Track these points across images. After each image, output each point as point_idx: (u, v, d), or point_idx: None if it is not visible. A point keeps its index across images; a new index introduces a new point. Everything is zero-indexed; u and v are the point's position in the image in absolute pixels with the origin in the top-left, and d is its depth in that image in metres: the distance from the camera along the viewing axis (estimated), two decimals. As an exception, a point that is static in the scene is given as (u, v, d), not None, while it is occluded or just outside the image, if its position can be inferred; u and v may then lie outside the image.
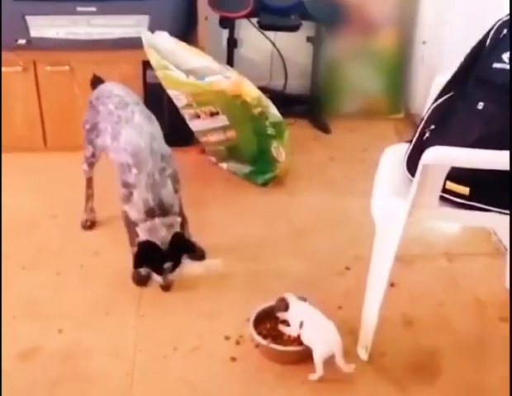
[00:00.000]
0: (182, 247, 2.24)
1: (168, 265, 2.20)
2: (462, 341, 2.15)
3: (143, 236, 2.20)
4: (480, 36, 1.93)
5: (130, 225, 2.27)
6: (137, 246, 2.21)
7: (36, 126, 3.18)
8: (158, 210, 2.18)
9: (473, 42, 1.94)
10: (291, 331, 2.07)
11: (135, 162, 2.21)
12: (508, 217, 1.75)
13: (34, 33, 2.99)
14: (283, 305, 2.09)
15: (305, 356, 2.01)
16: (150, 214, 2.18)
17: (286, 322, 2.09)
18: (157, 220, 2.18)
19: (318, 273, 2.43)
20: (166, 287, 2.27)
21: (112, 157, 2.36)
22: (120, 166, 2.25)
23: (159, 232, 2.18)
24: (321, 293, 2.19)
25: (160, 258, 2.19)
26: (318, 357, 1.95)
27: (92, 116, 2.47)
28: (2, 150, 3.07)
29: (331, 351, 1.94)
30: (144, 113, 2.37)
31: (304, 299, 2.11)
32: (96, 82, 2.64)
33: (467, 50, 1.94)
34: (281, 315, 2.10)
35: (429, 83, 2.13)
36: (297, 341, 2.04)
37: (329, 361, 1.95)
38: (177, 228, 2.22)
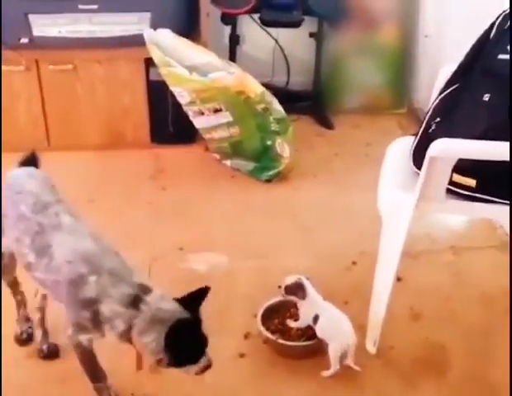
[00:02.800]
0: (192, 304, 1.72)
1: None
2: (469, 335, 2.15)
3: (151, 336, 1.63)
4: (482, 30, 1.93)
5: (89, 361, 1.83)
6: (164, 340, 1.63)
7: (40, 125, 3.18)
8: (142, 293, 1.66)
9: (476, 35, 1.94)
10: (299, 324, 2.06)
11: (90, 268, 1.67)
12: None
13: (36, 32, 2.99)
14: (300, 293, 2.04)
15: (314, 351, 2.02)
16: (135, 303, 1.64)
17: (293, 318, 2.09)
18: (149, 299, 1.64)
19: (324, 268, 2.42)
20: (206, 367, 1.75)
21: (42, 278, 1.76)
22: (69, 285, 1.68)
23: (163, 310, 1.65)
24: (328, 288, 2.17)
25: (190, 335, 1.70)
26: (334, 352, 1.94)
27: None
28: (3, 149, 3.07)
29: (347, 346, 1.94)
30: (71, 212, 1.83)
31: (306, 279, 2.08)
32: (28, 161, 2.06)
33: (470, 44, 1.94)
34: (294, 299, 2.05)
35: (432, 77, 2.13)
36: (306, 335, 2.05)
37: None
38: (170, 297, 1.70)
